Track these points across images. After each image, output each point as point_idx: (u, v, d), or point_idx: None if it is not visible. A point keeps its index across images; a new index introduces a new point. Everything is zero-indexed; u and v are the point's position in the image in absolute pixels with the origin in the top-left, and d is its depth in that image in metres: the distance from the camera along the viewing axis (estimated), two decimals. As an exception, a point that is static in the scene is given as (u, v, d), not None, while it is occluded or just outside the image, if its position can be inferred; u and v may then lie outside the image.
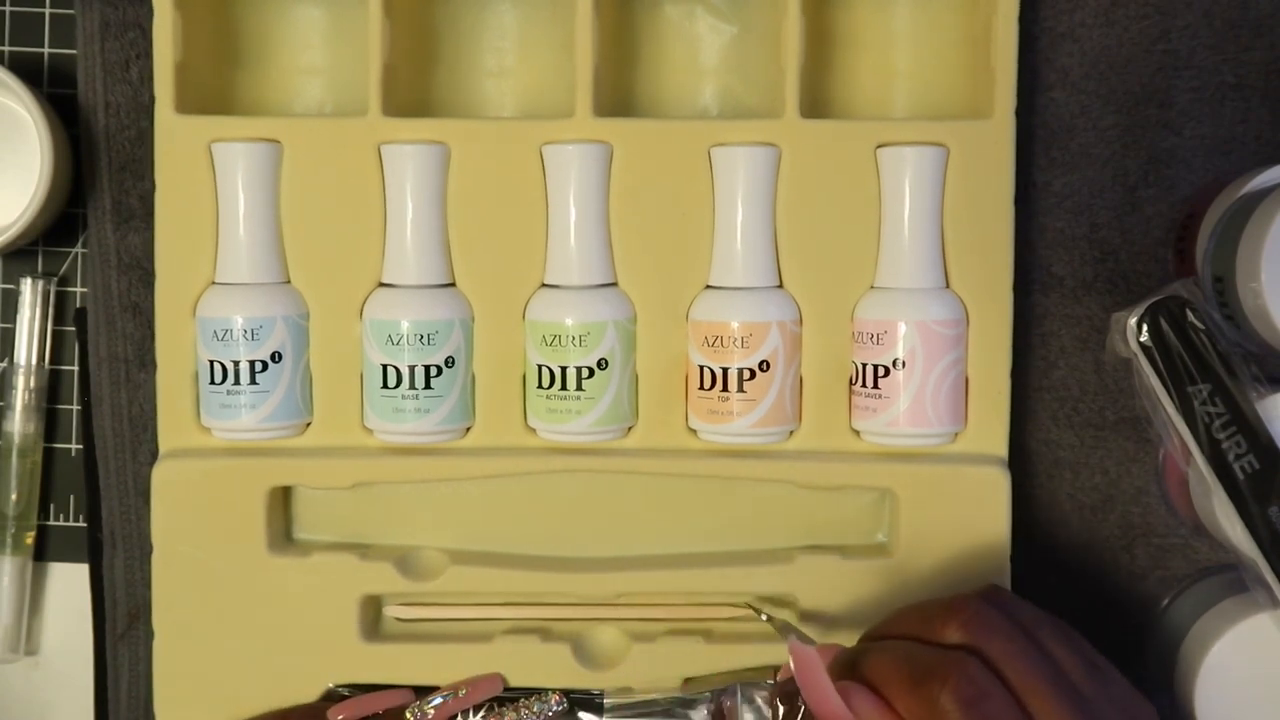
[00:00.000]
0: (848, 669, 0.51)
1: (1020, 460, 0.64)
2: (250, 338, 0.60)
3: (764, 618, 0.59)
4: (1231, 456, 0.56)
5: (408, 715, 0.60)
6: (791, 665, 0.52)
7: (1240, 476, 0.56)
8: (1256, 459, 0.56)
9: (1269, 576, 0.56)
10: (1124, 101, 0.64)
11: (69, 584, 0.67)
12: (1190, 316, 0.57)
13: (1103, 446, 0.65)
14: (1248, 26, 0.63)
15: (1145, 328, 0.57)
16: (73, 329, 0.67)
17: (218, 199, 0.61)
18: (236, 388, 0.60)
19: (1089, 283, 0.64)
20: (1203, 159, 0.64)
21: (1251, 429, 0.56)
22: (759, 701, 0.60)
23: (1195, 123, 0.64)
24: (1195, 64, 0.63)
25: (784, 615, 0.60)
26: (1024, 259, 0.63)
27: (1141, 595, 0.64)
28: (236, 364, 0.60)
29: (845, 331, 0.61)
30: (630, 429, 0.62)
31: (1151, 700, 0.63)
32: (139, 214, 0.65)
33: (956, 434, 0.61)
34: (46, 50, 0.67)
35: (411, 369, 0.60)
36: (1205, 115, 0.64)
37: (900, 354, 0.59)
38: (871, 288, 0.61)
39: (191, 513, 0.61)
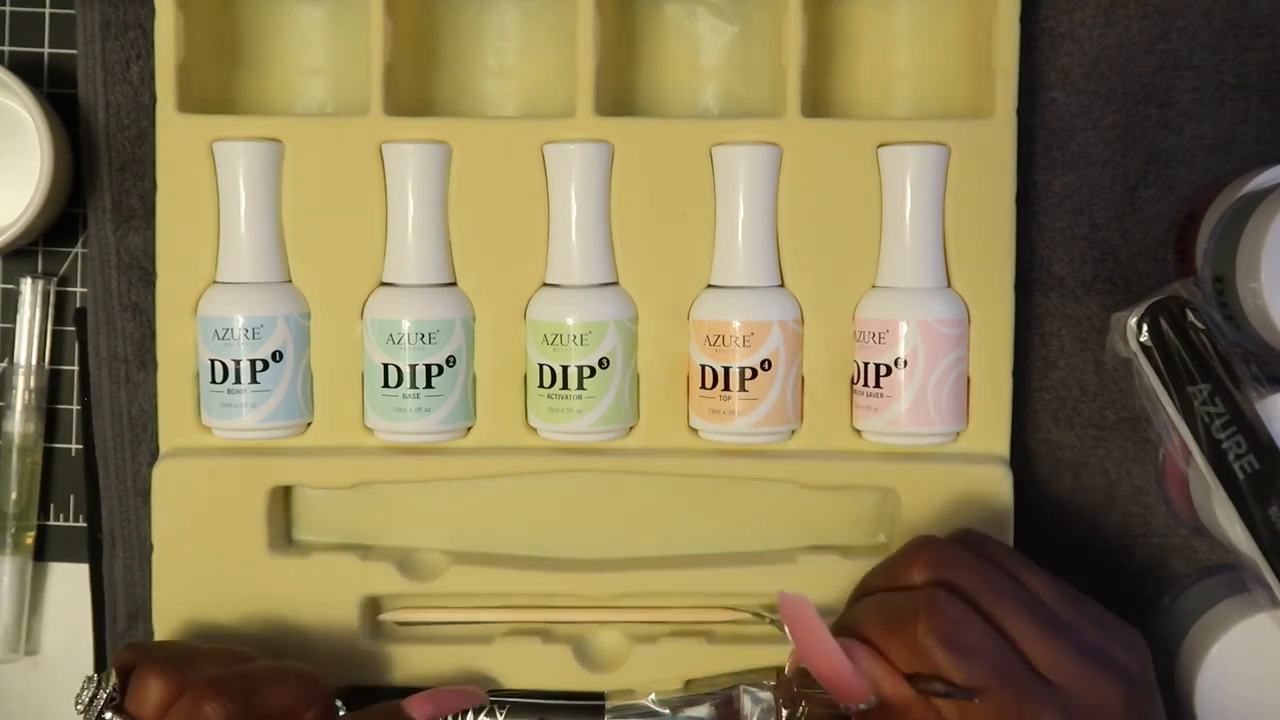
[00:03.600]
0: (837, 633, 0.51)
1: (1020, 460, 0.63)
2: (251, 337, 0.60)
3: (769, 620, 0.59)
4: (1231, 456, 0.56)
5: None
6: (784, 621, 0.50)
7: (1240, 476, 0.56)
8: (1256, 459, 0.56)
9: (1269, 576, 0.56)
10: (1124, 101, 0.64)
11: (69, 584, 0.67)
12: (1190, 316, 0.57)
13: (1103, 446, 0.65)
14: (1248, 26, 0.63)
15: (1145, 328, 0.57)
16: (73, 329, 0.67)
17: (219, 198, 0.61)
18: (237, 387, 0.60)
19: (1089, 283, 0.64)
20: (1203, 159, 0.64)
21: (1251, 429, 0.56)
22: (762, 702, 0.60)
23: (1195, 123, 0.64)
24: (1195, 64, 0.63)
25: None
26: (1024, 259, 0.63)
27: (1141, 595, 0.64)
28: (237, 363, 0.60)
29: (847, 331, 0.61)
30: (631, 428, 0.62)
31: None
32: (139, 214, 0.65)
33: (958, 433, 0.61)
34: (46, 50, 0.67)
35: (412, 368, 0.60)
36: (1205, 115, 0.64)
37: (902, 353, 0.59)
38: (873, 287, 0.61)
39: (192, 512, 0.61)
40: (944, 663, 0.49)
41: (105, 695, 0.53)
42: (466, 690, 0.60)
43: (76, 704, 0.53)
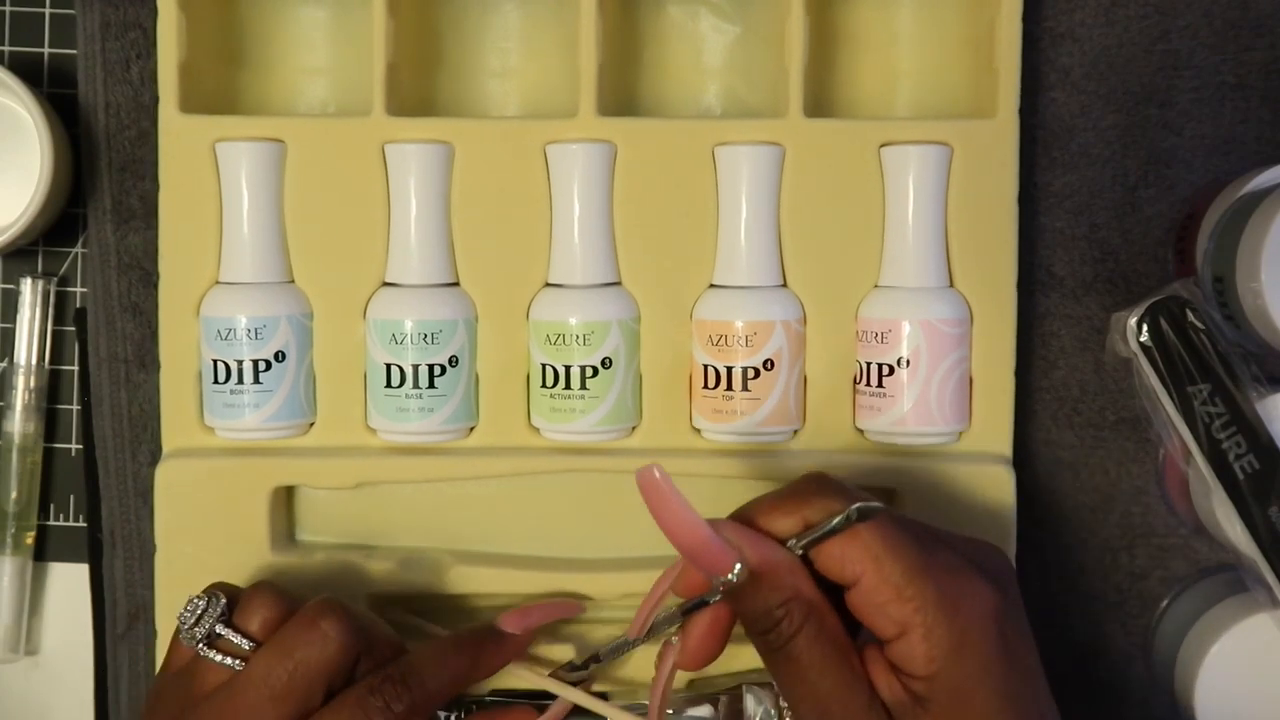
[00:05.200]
0: None
1: (1020, 460, 0.64)
2: (254, 337, 0.60)
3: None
4: (1231, 456, 0.57)
5: None
6: (641, 492, 0.47)
7: (1240, 476, 0.57)
8: (1256, 459, 0.56)
9: (1269, 576, 0.57)
10: (1124, 101, 0.64)
11: (69, 584, 0.67)
12: (1190, 316, 0.57)
13: (1103, 446, 0.65)
14: (1248, 26, 0.63)
15: (1145, 328, 0.57)
16: (73, 329, 0.67)
17: (221, 198, 0.61)
18: (240, 387, 0.60)
19: (1089, 283, 0.64)
20: (1203, 159, 0.64)
21: (1251, 429, 0.56)
22: (765, 703, 0.60)
23: (1195, 123, 0.64)
24: (1195, 64, 0.64)
25: None
26: (1024, 259, 0.63)
27: (1141, 595, 0.65)
28: (240, 363, 0.60)
29: (849, 330, 0.61)
30: (634, 428, 0.62)
31: (1151, 700, 0.63)
32: (139, 214, 0.65)
33: (961, 433, 0.61)
34: (46, 50, 0.67)
35: (415, 368, 0.60)
36: (1205, 115, 0.64)
37: (904, 353, 0.59)
38: (875, 287, 0.61)
39: (194, 512, 0.61)
40: (834, 497, 0.49)
41: (219, 610, 0.52)
42: (560, 603, 0.60)
43: (180, 625, 0.53)
